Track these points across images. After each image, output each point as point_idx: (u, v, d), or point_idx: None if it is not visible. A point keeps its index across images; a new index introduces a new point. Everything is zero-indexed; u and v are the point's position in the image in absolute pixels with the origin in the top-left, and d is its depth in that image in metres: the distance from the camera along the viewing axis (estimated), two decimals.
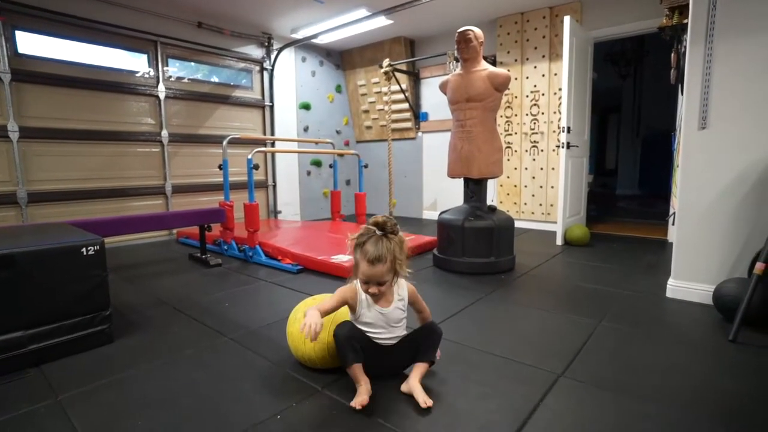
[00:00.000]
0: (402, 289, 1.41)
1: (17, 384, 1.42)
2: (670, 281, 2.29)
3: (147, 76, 4.04)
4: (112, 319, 1.75)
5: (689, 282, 2.21)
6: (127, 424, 1.20)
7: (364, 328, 1.36)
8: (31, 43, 3.38)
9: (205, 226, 3.14)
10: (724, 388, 1.38)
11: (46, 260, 1.57)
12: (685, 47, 2.38)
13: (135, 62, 3.98)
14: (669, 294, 2.28)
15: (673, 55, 2.81)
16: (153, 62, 4.06)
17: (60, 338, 1.60)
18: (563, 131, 3.61)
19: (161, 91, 4.09)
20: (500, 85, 2.70)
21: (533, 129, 4.47)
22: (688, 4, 2.30)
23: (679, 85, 3.13)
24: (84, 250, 1.66)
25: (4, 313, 1.48)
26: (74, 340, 1.64)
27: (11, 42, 3.26)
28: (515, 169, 4.63)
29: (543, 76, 4.32)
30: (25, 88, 3.34)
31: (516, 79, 4.46)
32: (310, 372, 1.48)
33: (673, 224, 3.46)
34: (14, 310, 1.51)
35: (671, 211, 3.61)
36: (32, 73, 3.36)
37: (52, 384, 1.42)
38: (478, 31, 2.71)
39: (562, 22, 3.96)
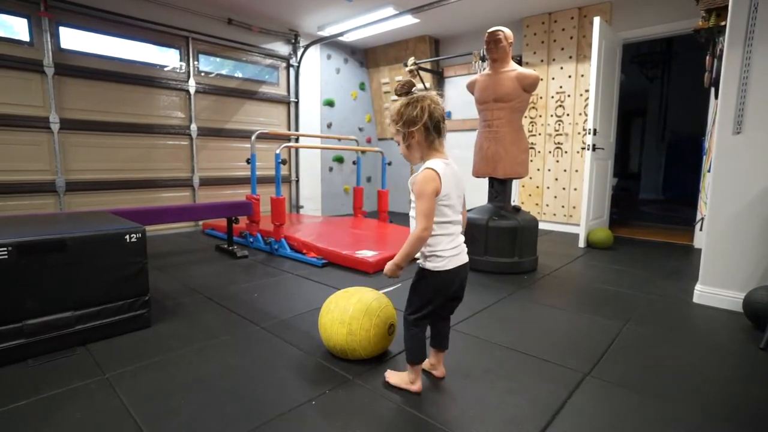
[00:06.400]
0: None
1: (67, 361, 1.51)
2: (698, 287, 2.26)
3: (178, 71, 4.15)
4: (150, 305, 1.84)
5: (718, 288, 2.18)
6: (172, 401, 1.27)
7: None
8: (72, 39, 3.51)
9: (233, 218, 3.23)
10: (755, 394, 1.37)
11: (94, 245, 1.66)
12: (722, 50, 2.35)
13: (167, 57, 4.09)
14: (696, 299, 2.25)
15: (708, 57, 2.75)
16: (184, 57, 4.17)
17: (104, 320, 1.69)
18: (589, 133, 3.58)
19: (191, 85, 4.20)
20: (529, 86, 2.70)
21: (557, 130, 4.43)
22: (726, 6, 2.27)
23: (713, 89, 3.06)
24: (128, 237, 1.74)
25: (55, 294, 1.58)
26: (116, 323, 1.73)
27: (55, 38, 3.40)
28: (538, 170, 4.61)
29: (569, 77, 4.28)
30: (66, 82, 3.48)
31: (542, 79, 4.42)
32: (340, 362, 1.53)
33: (701, 230, 3.41)
34: (64, 291, 1.60)
35: (699, 216, 3.54)
36: (73, 67, 3.49)
37: (98, 362, 1.51)
38: (507, 31, 2.72)
39: (590, 23, 3.92)
